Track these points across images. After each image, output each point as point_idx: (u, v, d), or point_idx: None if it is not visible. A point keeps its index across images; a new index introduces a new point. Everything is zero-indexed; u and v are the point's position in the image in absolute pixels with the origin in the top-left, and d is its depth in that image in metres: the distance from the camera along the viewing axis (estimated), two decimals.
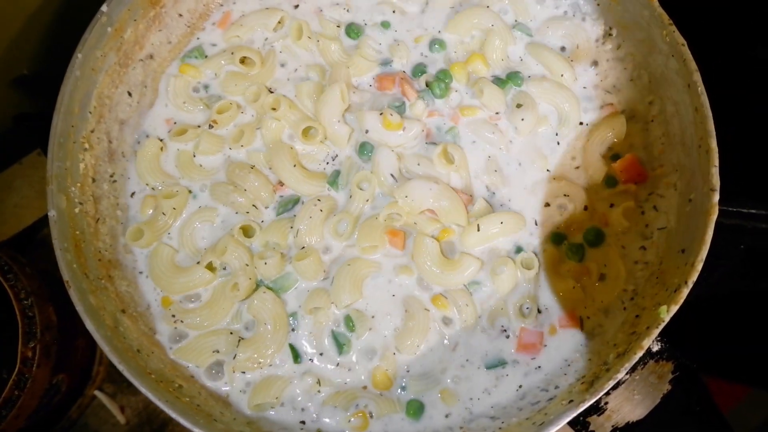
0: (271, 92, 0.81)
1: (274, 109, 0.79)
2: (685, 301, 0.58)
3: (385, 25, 0.84)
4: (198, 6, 0.85)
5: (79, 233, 0.69)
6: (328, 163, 0.79)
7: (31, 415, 0.75)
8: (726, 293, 0.94)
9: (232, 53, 0.83)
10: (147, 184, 0.78)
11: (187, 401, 0.64)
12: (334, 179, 0.77)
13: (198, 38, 0.86)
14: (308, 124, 0.78)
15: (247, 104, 0.81)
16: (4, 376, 0.77)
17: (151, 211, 0.76)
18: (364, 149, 0.77)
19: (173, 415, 0.60)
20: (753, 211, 0.76)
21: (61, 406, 0.85)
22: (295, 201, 0.77)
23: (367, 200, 0.75)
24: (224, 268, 0.74)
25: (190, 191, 0.78)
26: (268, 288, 0.73)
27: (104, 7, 0.74)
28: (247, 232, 0.75)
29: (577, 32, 0.82)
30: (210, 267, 0.73)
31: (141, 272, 0.74)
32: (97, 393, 0.88)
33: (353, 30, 0.84)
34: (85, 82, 0.74)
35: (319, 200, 0.75)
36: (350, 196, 0.76)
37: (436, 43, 0.83)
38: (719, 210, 0.79)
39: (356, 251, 0.74)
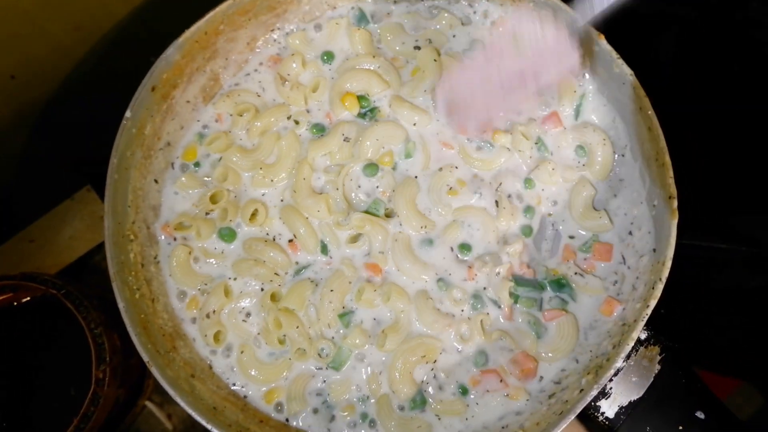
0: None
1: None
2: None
3: None
4: (201, 92, 0.94)
5: (144, 316, 0.79)
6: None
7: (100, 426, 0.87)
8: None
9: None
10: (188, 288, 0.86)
11: None
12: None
13: (198, 120, 0.94)
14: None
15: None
16: (73, 394, 0.89)
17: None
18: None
19: None
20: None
21: (119, 416, 0.97)
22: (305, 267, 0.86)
23: None
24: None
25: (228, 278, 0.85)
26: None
27: (128, 113, 0.83)
28: (274, 297, 0.83)
29: None
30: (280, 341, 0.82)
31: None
32: (147, 403, 1.01)
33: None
34: (122, 182, 0.83)
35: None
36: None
37: None
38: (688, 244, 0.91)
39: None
